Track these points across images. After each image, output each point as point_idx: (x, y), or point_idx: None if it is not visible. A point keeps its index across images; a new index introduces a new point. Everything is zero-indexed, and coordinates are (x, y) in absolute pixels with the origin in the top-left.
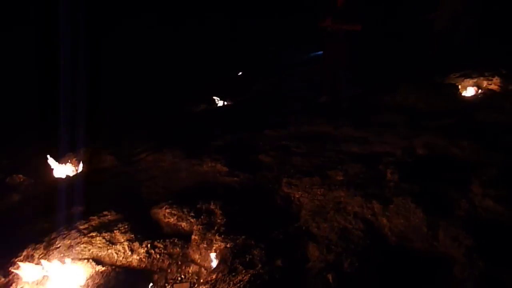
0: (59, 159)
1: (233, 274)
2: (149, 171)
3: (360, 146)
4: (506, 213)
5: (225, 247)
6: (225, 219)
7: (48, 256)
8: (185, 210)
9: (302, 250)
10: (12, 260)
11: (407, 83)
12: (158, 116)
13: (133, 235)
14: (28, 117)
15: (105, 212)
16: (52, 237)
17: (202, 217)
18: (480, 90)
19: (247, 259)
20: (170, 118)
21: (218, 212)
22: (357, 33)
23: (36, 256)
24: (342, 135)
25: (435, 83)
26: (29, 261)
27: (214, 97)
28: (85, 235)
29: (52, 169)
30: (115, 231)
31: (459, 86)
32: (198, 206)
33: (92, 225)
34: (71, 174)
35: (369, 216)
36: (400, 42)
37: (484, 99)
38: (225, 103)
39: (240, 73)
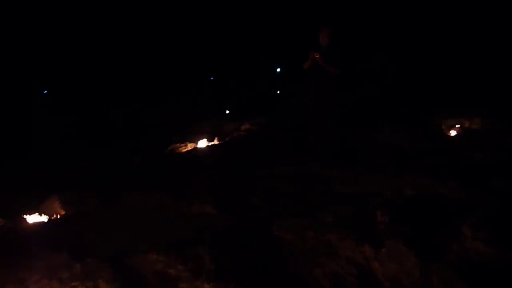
0: (41, 202)
1: None
2: (136, 214)
3: (349, 186)
4: (496, 256)
5: None
6: (214, 265)
7: None
8: (172, 256)
9: None
10: None
11: (390, 123)
12: (144, 158)
13: (117, 284)
14: (10, 157)
15: (89, 260)
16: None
17: (189, 263)
18: (462, 130)
19: None
20: (157, 159)
21: (207, 257)
22: (337, 74)
23: None
24: (330, 175)
25: (418, 122)
26: None
27: (201, 137)
28: (66, 285)
29: (33, 212)
30: (98, 280)
31: (443, 126)
32: (186, 251)
33: (73, 274)
34: (54, 217)
35: (361, 260)
36: (374, 83)
37: (467, 138)
38: (213, 143)
39: (228, 111)
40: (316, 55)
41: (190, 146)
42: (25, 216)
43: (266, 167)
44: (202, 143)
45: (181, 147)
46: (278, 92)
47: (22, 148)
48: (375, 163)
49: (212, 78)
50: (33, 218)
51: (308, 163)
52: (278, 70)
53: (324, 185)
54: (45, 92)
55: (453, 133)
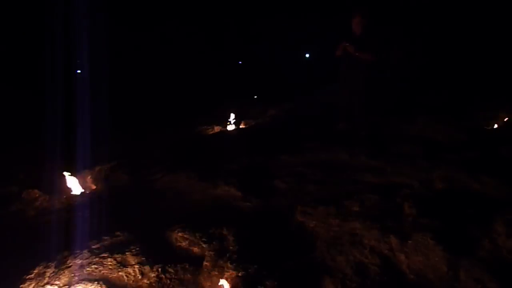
0: (75, 176)
1: None
2: (163, 192)
3: (377, 176)
4: None
5: (237, 275)
6: (237, 246)
7: (59, 275)
8: (197, 234)
9: (316, 284)
10: (23, 277)
11: (425, 114)
12: (173, 137)
13: (144, 258)
14: (45, 134)
15: (118, 233)
16: (64, 255)
17: (214, 242)
18: (501, 123)
19: None
20: (184, 140)
21: (231, 238)
22: (371, 62)
23: (47, 274)
24: (359, 164)
25: (454, 114)
26: (40, 280)
27: (229, 120)
28: (96, 255)
29: (68, 185)
30: (126, 253)
31: (479, 118)
32: (210, 231)
33: (104, 245)
34: (86, 191)
35: (386, 251)
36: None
37: (505, 132)
38: (240, 126)
39: (256, 96)
40: (347, 44)
41: (216, 129)
42: (60, 188)
43: (293, 153)
44: (229, 127)
45: (208, 129)
46: (307, 78)
47: (55, 126)
48: (405, 153)
49: (240, 62)
50: (67, 192)
51: (336, 150)
52: (307, 56)
53: (351, 173)
54: (78, 71)
55: (490, 126)
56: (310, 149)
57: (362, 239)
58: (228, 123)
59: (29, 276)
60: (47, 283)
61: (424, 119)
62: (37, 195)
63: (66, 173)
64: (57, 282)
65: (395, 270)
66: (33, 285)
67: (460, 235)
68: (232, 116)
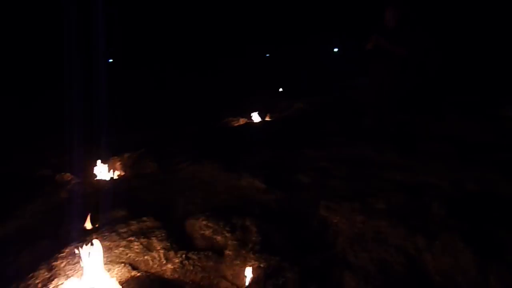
0: (105, 162)
1: None
2: (188, 181)
3: (405, 174)
4: None
5: (259, 266)
6: (260, 237)
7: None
8: (221, 223)
9: (338, 279)
10: (55, 255)
11: (456, 112)
12: (198, 128)
13: (169, 244)
14: (75, 121)
15: (144, 218)
16: (93, 237)
17: (237, 232)
18: None
19: (280, 282)
20: (210, 131)
21: (253, 229)
22: (404, 57)
23: (78, 253)
24: (385, 161)
25: (487, 113)
26: (71, 258)
27: (254, 112)
28: (124, 239)
29: (98, 171)
30: (152, 238)
31: None
32: (233, 221)
33: (131, 230)
34: (115, 177)
35: (412, 250)
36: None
37: None
38: (265, 119)
39: (281, 89)
40: (378, 37)
41: (242, 121)
42: (90, 173)
43: (317, 147)
44: (255, 119)
45: (234, 121)
46: (334, 72)
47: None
48: (434, 152)
49: (267, 55)
50: (97, 176)
51: (362, 147)
52: (336, 50)
53: (377, 170)
54: (110, 60)
55: None
56: (335, 144)
57: (387, 237)
58: (254, 115)
59: (61, 254)
60: (77, 262)
61: (454, 117)
62: (69, 178)
63: (97, 161)
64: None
65: (421, 270)
66: (64, 263)
67: (491, 239)
68: (257, 108)
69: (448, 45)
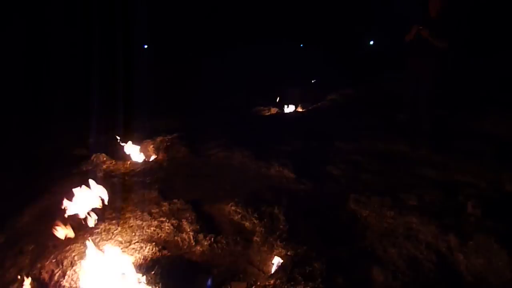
0: (139, 145)
1: (292, 283)
2: (219, 167)
3: (439, 172)
4: None
5: (286, 254)
6: (287, 226)
7: (121, 232)
8: (249, 210)
9: (366, 273)
10: (92, 231)
11: (498, 110)
12: (229, 116)
13: (198, 226)
14: (111, 105)
15: (175, 200)
16: (126, 216)
17: (265, 220)
18: None
19: (307, 271)
20: (241, 119)
21: (282, 217)
22: (445, 51)
23: (112, 230)
24: (419, 158)
25: None
26: (105, 234)
27: (286, 103)
28: (155, 219)
29: (131, 153)
30: (182, 220)
31: None
32: (262, 208)
33: (162, 211)
34: (148, 159)
35: (444, 249)
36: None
37: None
38: (297, 109)
39: (314, 80)
40: (421, 28)
41: (273, 111)
42: (124, 154)
43: (348, 139)
44: (286, 109)
45: (265, 110)
46: (369, 64)
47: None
48: (472, 151)
49: (302, 45)
50: (131, 158)
51: (395, 141)
52: (371, 42)
53: (410, 166)
54: (145, 46)
55: None
56: (368, 138)
57: (418, 234)
58: (285, 106)
59: (96, 230)
60: (111, 238)
61: (496, 115)
62: (104, 158)
63: (130, 143)
64: (119, 239)
65: (452, 269)
66: (98, 238)
67: None
68: (290, 99)
69: (492, 37)
